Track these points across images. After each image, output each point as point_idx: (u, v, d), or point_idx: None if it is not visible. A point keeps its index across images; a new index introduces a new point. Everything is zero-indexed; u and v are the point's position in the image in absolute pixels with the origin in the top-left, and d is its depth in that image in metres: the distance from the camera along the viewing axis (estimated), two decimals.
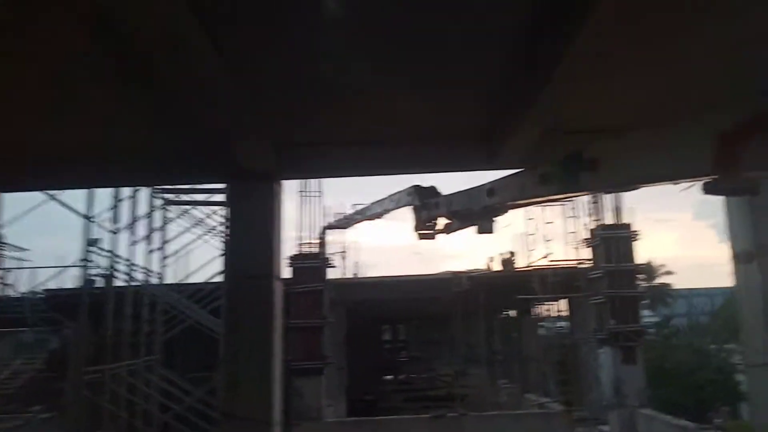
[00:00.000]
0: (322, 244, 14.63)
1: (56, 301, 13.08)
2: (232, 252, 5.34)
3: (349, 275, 19.17)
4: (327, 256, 14.61)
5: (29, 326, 16.71)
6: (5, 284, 13.31)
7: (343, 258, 18.02)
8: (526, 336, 20.99)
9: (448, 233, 5.85)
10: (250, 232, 5.21)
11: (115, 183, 7.49)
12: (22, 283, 16.17)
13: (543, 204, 10.94)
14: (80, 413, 8.97)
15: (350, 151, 5.31)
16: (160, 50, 3.31)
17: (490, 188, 4.77)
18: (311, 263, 13.45)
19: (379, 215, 9.30)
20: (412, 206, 6.56)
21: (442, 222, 6.17)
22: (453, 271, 16.90)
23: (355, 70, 3.95)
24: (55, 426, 12.14)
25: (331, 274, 14.72)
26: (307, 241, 14.17)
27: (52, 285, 15.38)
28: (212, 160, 5.18)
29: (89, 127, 4.71)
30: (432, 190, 6.38)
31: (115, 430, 10.90)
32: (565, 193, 3.93)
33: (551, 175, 3.67)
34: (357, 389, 18.17)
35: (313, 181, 14.65)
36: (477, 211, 5.05)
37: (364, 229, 39.39)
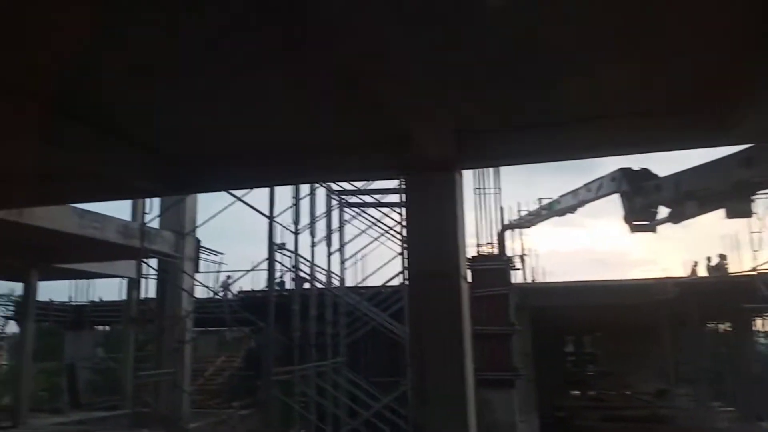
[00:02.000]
0: (501, 245, 13.66)
1: (250, 302, 13.89)
2: (412, 250, 4.80)
3: (528, 280, 17.99)
4: (510, 257, 13.61)
5: (228, 326, 18.20)
6: (206, 286, 14.41)
7: (522, 261, 16.84)
8: (745, 352, 17.97)
9: (676, 222, 4.75)
10: (431, 227, 4.64)
11: (290, 180, 7.42)
12: (219, 286, 17.72)
13: None
14: (273, 412, 9.15)
15: (538, 133, 4.52)
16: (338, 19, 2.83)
17: (747, 157, 3.64)
18: (493, 265, 12.55)
19: (571, 209, 8.26)
20: (620, 193, 5.55)
21: (664, 210, 5.10)
22: (657, 277, 14.91)
23: (546, 33, 3.18)
24: (252, 423, 12.78)
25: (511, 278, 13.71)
26: (485, 243, 13.35)
27: (247, 287, 16.60)
28: (388, 152, 4.75)
29: (265, 121, 4.53)
30: (644, 173, 5.31)
31: (305, 430, 11.10)
32: None
33: None
34: (543, 404, 16.88)
35: (490, 178, 13.80)
36: (724, 190, 3.91)
37: (536, 233, 37.52)
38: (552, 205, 10.11)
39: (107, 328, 23.94)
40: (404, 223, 9.42)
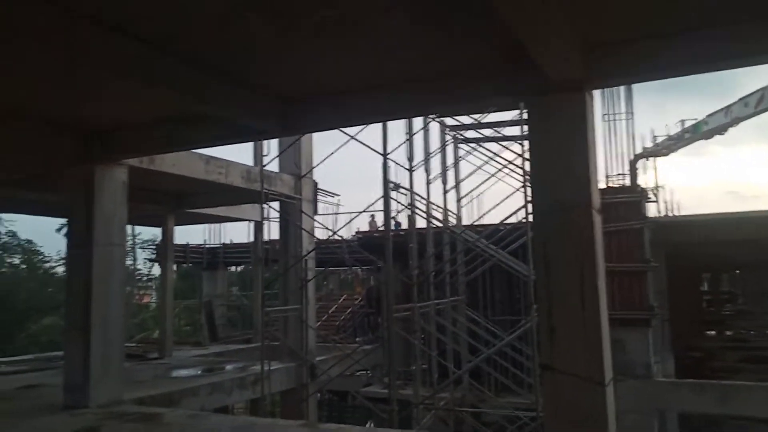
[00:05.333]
0: (633, 175, 12.50)
1: (367, 242, 14.12)
2: (537, 182, 4.41)
3: (660, 214, 16.57)
4: (644, 188, 12.45)
5: (347, 266, 18.75)
6: (326, 228, 14.74)
7: (655, 194, 15.41)
8: None
9: None
10: (559, 155, 4.23)
11: (405, 113, 7.12)
12: (338, 227, 18.16)
13: None
14: (395, 348, 9.30)
15: (682, 41, 3.90)
16: None
17: None
18: (626, 197, 11.56)
19: (722, 129, 7.27)
20: None
21: None
22: None
23: None
24: (375, 357, 13.19)
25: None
26: (615, 174, 12.33)
27: (363, 228, 16.88)
28: (508, 75, 4.37)
29: (376, 52, 4.29)
30: None
31: (426, 366, 11.26)
32: None
33: None
34: (677, 345, 15.88)
35: (620, 102, 12.52)
36: None
37: (667, 164, 34.68)
38: (698, 126, 8.90)
39: (239, 268, 25.70)
40: (526, 155, 8.88)
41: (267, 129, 5.54)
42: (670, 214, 17.52)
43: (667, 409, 11.67)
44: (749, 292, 25.96)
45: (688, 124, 10.42)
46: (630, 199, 11.45)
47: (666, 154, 13.13)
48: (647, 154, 13.30)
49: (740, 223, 12.62)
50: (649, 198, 12.71)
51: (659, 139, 13.13)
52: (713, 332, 23.62)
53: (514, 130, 11.00)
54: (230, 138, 5.87)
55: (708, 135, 8.53)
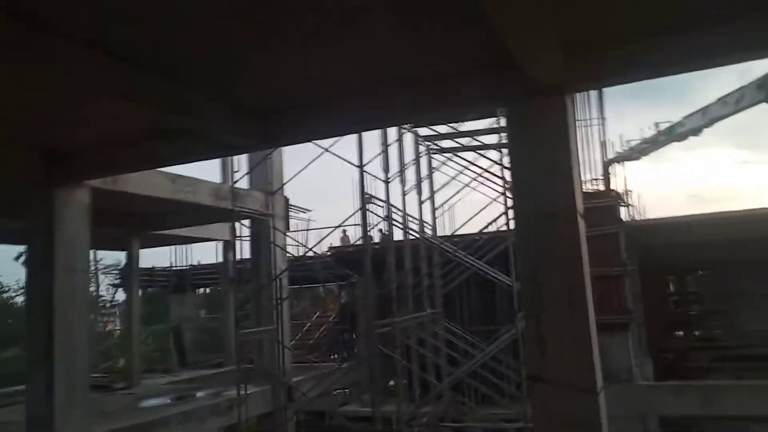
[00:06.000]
0: (607, 180, 12.60)
1: (342, 257, 13.86)
2: (519, 189, 4.25)
3: (630, 218, 16.69)
4: (619, 192, 12.53)
5: (320, 282, 18.44)
6: (299, 244, 14.47)
7: (627, 197, 15.54)
8: None
9: None
10: (543, 160, 4.08)
11: (382, 122, 6.89)
12: (310, 243, 17.85)
13: None
14: (374, 364, 9.05)
15: (666, 42, 3.80)
16: None
17: None
18: (601, 202, 11.60)
19: (697, 131, 7.32)
20: None
21: None
22: None
23: None
24: (354, 375, 12.89)
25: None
26: (589, 179, 12.40)
27: (336, 243, 16.62)
28: (487, 79, 4.20)
29: (352, 59, 4.07)
30: None
31: (407, 381, 11.02)
32: None
33: None
34: (652, 347, 16.01)
35: (590, 108, 12.63)
36: None
37: (632, 169, 35.36)
38: (673, 129, 9.01)
39: (208, 290, 25.04)
40: (504, 163, 8.80)
41: (245, 144, 5.29)
42: (639, 218, 17.75)
43: (650, 412, 11.67)
44: (714, 292, 26.48)
45: (662, 126, 10.57)
46: (605, 203, 11.51)
47: (638, 158, 13.32)
48: (620, 158, 13.45)
49: (710, 225, 12.80)
50: (624, 202, 12.83)
51: (633, 143, 13.37)
52: (682, 333, 24.01)
53: (490, 138, 10.95)
54: (205, 154, 5.57)
55: (682, 137, 8.65)
